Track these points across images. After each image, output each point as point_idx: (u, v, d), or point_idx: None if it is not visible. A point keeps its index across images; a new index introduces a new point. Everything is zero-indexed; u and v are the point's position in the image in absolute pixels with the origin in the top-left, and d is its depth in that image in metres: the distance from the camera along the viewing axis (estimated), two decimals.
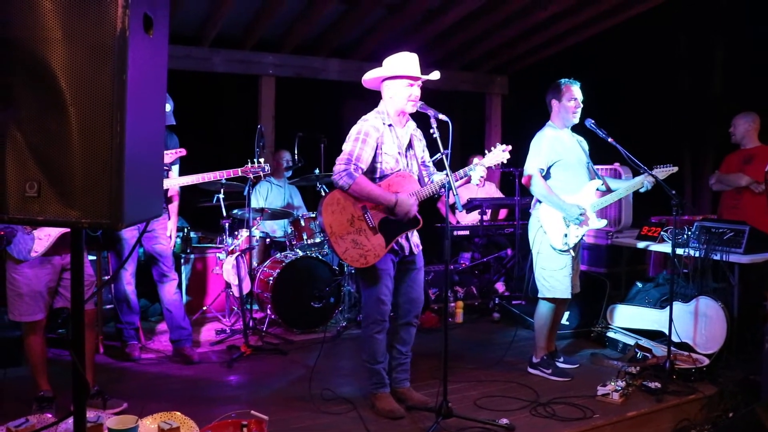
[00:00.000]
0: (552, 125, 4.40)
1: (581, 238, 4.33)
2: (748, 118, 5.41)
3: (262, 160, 4.75)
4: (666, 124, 8.47)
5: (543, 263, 4.36)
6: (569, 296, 4.34)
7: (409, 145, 3.82)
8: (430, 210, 6.76)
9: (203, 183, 4.91)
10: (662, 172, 4.31)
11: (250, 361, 4.71)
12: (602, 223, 4.33)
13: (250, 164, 4.71)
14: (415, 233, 3.84)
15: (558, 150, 4.30)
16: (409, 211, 3.59)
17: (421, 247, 3.87)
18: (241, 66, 7.10)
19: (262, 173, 4.74)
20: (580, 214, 4.19)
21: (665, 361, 4.20)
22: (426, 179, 3.85)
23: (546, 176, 4.31)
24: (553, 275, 4.31)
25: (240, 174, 4.68)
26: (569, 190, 4.30)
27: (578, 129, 4.47)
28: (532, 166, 4.29)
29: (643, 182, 4.34)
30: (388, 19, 6.62)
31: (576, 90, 4.34)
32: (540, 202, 4.34)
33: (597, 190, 4.37)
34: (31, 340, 3.56)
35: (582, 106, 4.36)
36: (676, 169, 4.33)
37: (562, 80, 4.37)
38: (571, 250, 4.30)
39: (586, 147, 4.49)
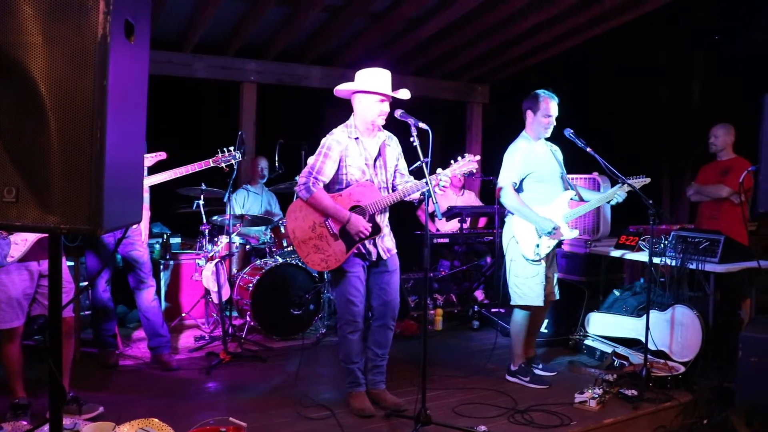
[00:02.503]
0: (526, 136, 4.42)
1: (553, 248, 4.38)
2: (726, 130, 5.48)
3: (232, 148, 4.72)
4: (645, 134, 8.57)
5: (516, 271, 4.40)
6: (541, 304, 4.38)
7: (379, 155, 3.87)
8: (409, 218, 6.78)
9: (183, 188, 4.88)
10: (636, 183, 4.34)
11: (228, 367, 4.69)
12: (574, 234, 4.37)
13: (220, 153, 4.67)
14: (387, 239, 3.90)
15: (531, 162, 4.33)
16: (360, 232, 3.68)
17: (394, 251, 3.92)
18: (222, 72, 7.09)
19: (233, 161, 4.69)
20: (553, 228, 4.24)
21: (642, 368, 4.24)
22: (400, 187, 3.88)
23: (518, 189, 4.35)
24: (526, 283, 4.35)
25: (211, 164, 4.60)
26: (542, 201, 4.33)
27: (554, 138, 4.50)
28: (504, 178, 4.32)
29: (615, 195, 4.36)
30: (371, 28, 6.65)
31: (553, 106, 4.33)
32: (512, 213, 4.38)
33: (571, 200, 4.42)
34: (8, 348, 3.51)
35: (555, 123, 4.37)
36: (648, 180, 4.36)
37: (542, 92, 4.36)
38: (543, 260, 4.34)
39: (561, 157, 4.52)
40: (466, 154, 3.82)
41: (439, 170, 3.78)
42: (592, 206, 4.48)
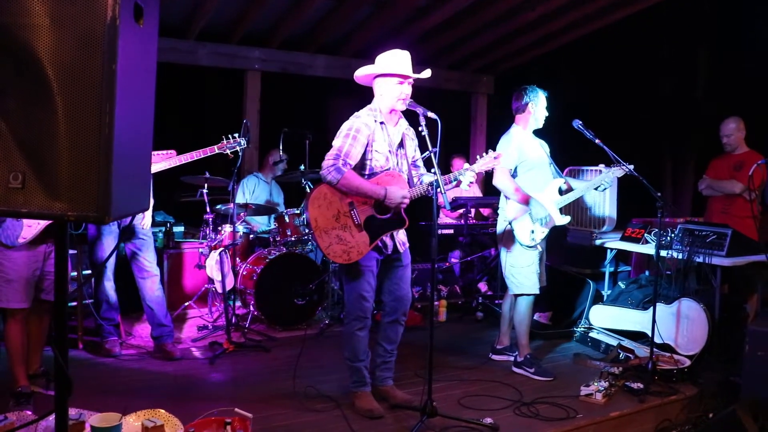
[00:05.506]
0: (518, 128, 4.54)
1: (547, 234, 4.44)
2: (737, 125, 5.38)
3: (237, 134, 4.67)
4: (648, 127, 8.52)
5: (511, 260, 4.47)
6: (537, 292, 4.44)
7: (400, 144, 3.78)
8: (417, 208, 6.74)
9: (187, 177, 4.82)
10: (619, 171, 4.47)
11: (232, 357, 4.67)
12: (566, 220, 4.43)
13: (225, 140, 4.60)
14: (402, 231, 3.81)
15: (524, 151, 4.45)
16: (401, 201, 3.55)
17: (407, 245, 3.84)
18: (227, 60, 7.04)
19: (238, 147, 4.65)
20: (546, 217, 4.33)
21: (647, 361, 4.22)
22: (416, 179, 3.82)
23: (513, 175, 4.44)
24: (521, 272, 4.42)
25: (216, 151, 4.53)
26: (535, 188, 4.42)
27: (561, 129, 4.53)
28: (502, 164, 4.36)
29: (601, 182, 4.49)
30: (376, 16, 6.60)
31: (546, 100, 4.55)
32: (507, 198, 4.45)
33: (559, 188, 4.47)
34: (12, 329, 3.52)
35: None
36: (631, 167, 4.41)
37: (538, 88, 4.53)
38: (538, 246, 4.39)
39: (548, 150, 4.63)
40: (490, 150, 3.79)
41: (466, 165, 3.74)
42: (580, 193, 4.57)
